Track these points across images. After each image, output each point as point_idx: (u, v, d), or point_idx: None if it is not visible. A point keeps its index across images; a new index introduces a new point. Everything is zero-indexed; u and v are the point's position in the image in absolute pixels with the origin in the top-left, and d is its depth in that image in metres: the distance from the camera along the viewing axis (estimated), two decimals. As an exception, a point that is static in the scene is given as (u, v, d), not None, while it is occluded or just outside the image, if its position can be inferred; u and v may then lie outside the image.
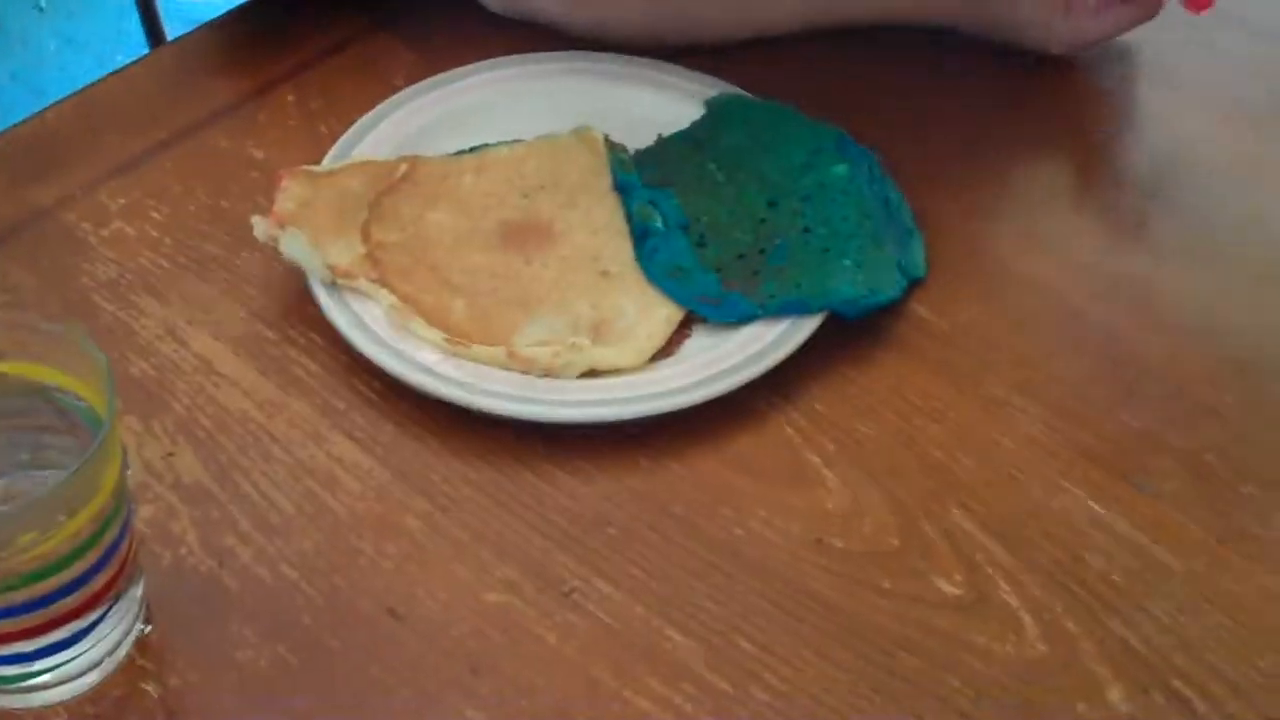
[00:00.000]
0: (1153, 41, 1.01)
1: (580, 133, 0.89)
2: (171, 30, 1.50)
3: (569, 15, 0.96)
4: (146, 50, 1.52)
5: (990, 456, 0.76)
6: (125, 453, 0.63)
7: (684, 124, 0.90)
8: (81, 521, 0.58)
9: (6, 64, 2.32)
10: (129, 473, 0.65)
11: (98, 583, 0.61)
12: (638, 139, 0.89)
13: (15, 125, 0.93)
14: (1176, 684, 0.67)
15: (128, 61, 0.99)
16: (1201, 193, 0.92)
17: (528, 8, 0.97)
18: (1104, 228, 0.90)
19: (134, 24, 1.53)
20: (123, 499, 0.61)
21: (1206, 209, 0.90)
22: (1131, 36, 0.98)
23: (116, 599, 0.64)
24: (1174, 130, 0.96)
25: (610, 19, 0.95)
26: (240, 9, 1.02)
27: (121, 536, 0.62)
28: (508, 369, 0.77)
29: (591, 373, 0.77)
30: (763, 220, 0.84)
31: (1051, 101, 0.97)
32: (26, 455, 0.65)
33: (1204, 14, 0.90)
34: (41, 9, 2.61)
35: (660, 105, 0.92)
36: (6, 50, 2.30)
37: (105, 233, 0.86)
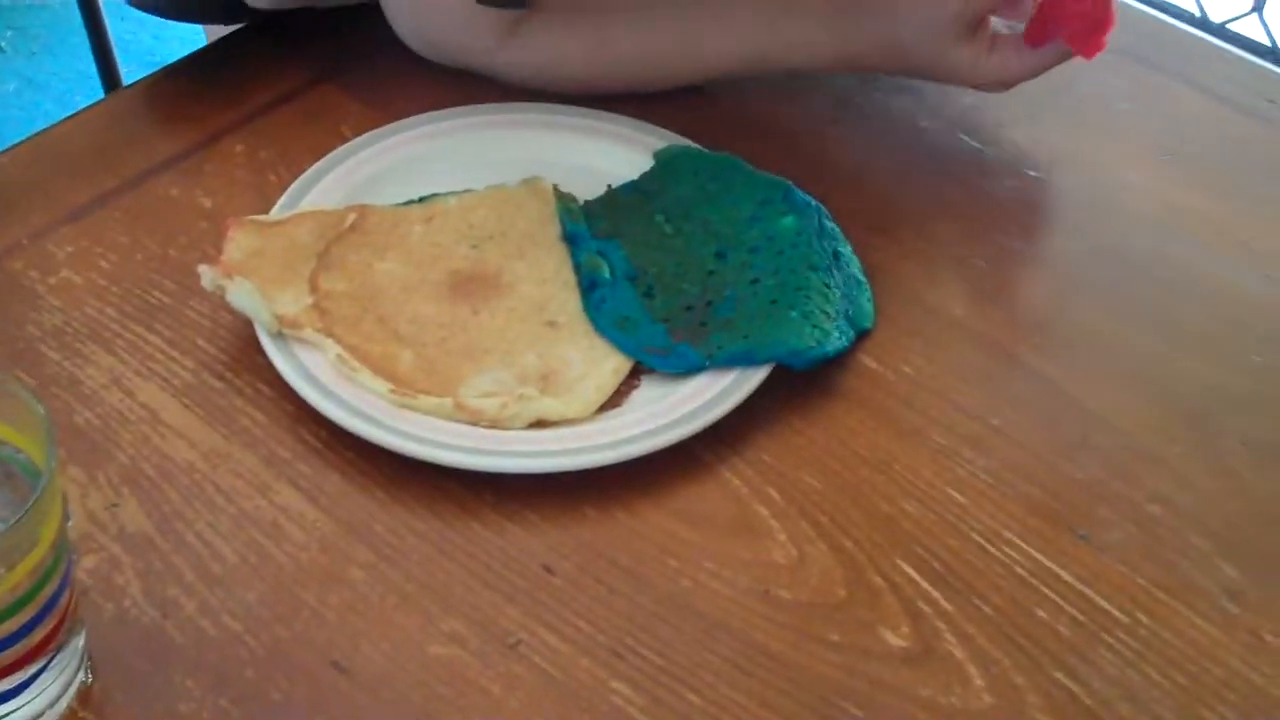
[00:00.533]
0: (1099, 91, 1.03)
1: (529, 183, 0.89)
2: (127, 71, 1.50)
3: (509, 65, 0.96)
4: (103, 92, 1.52)
5: (936, 508, 0.76)
6: (66, 504, 0.62)
7: (633, 174, 0.91)
8: (19, 575, 0.58)
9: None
10: (70, 524, 0.65)
11: (37, 635, 0.61)
12: (587, 189, 0.90)
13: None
14: (1122, 735, 0.67)
15: (86, 105, 0.99)
16: (1144, 244, 0.92)
17: (466, 60, 0.97)
18: (1050, 280, 0.91)
19: (93, 66, 1.53)
20: (63, 552, 0.61)
21: (1150, 261, 0.91)
22: (1074, 81, 0.99)
23: (57, 651, 0.63)
24: (1118, 181, 0.97)
25: (549, 68, 0.96)
26: (190, 58, 1.03)
27: (61, 589, 0.62)
28: (455, 420, 0.77)
29: (539, 423, 0.77)
30: (711, 271, 0.85)
31: (999, 154, 0.98)
32: (-36, 507, 0.65)
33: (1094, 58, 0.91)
34: (2, 49, 2.61)
35: (609, 155, 0.92)
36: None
37: (53, 281, 0.85)
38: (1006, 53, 0.93)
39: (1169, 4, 2.58)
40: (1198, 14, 2.56)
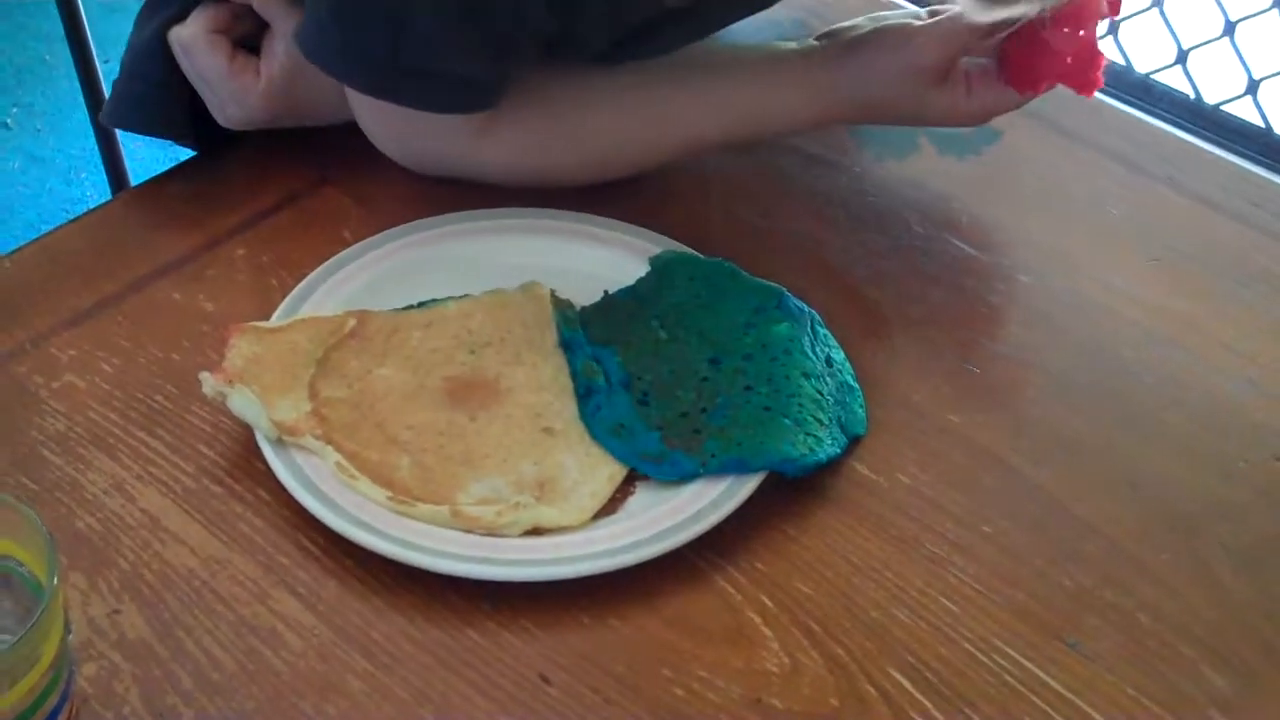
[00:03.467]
0: (1089, 194, 1.04)
1: (527, 289, 0.90)
2: (128, 150, 1.53)
3: (489, 165, 0.97)
4: (105, 170, 1.54)
5: (928, 615, 0.77)
6: (68, 618, 0.63)
7: (629, 280, 0.92)
8: (20, 693, 0.59)
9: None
10: (71, 636, 0.66)
11: (38, 749, 0.62)
12: (583, 295, 0.91)
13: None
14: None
15: (89, 208, 1.01)
16: (1132, 349, 0.94)
17: (449, 165, 0.99)
18: (1040, 385, 0.92)
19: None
20: (63, 666, 0.62)
21: (1137, 366, 0.92)
22: (1065, 184, 1.01)
23: (57, 763, 0.64)
24: (1107, 286, 0.98)
25: (529, 161, 0.98)
26: (191, 160, 1.04)
27: (62, 702, 0.63)
28: (452, 527, 0.78)
29: (536, 530, 0.78)
30: (705, 378, 0.86)
31: (990, 258, 1.00)
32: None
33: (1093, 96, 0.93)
34: (7, 125, 2.63)
35: (606, 261, 0.93)
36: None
37: (55, 385, 0.87)
38: (986, 94, 0.96)
39: (1162, 87, 2.61)
40: (1192, 96, 2.58)
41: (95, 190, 2.23)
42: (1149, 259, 1.01)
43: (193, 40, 0.96)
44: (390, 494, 0.78)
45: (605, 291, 0.92)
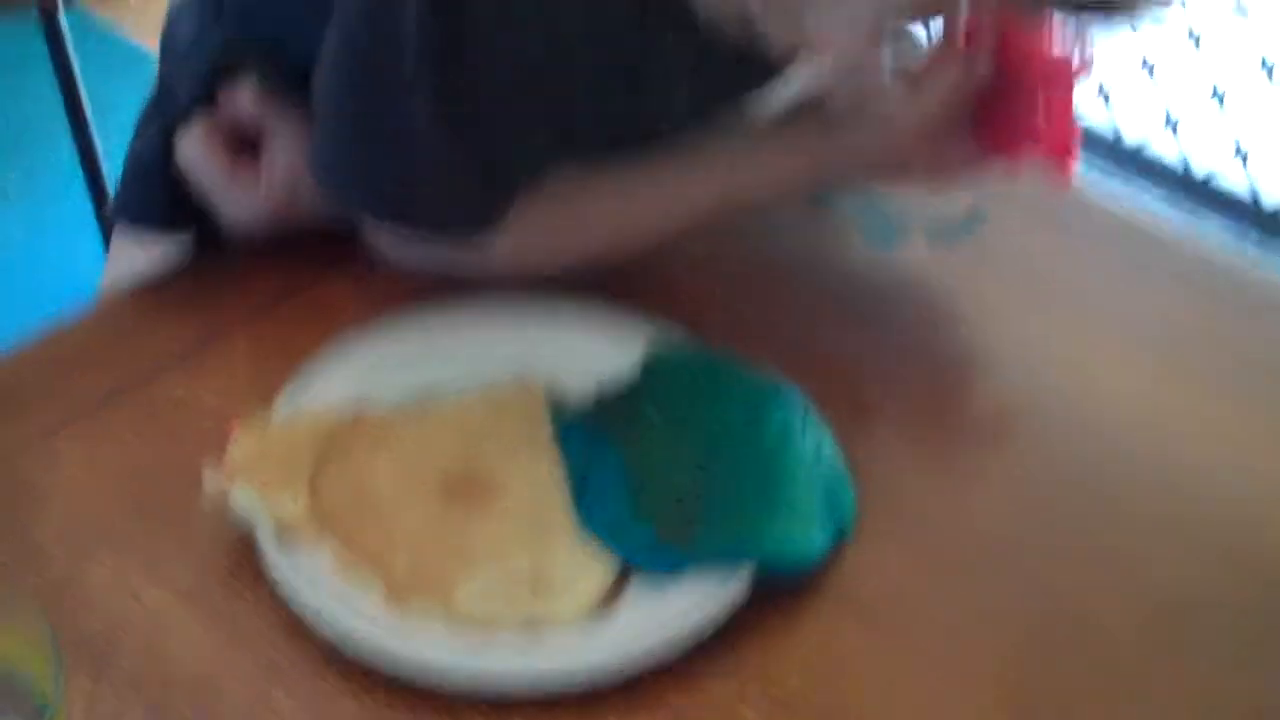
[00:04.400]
0: (1089, 288, 1.06)
1: (523, 381, 0.92)
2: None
3: (495, 261, 0.98)
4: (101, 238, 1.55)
5: (917, 711, 0.78)
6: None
7: (624, 370, 0.93)
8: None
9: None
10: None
11: None
12: (579, 386, 0.92)
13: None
14: None
15: (92, 304, 1.03)
16: (1129, 442, 0.94)
17: (456, 268, 1.00)
18: (1034, 478, 0.92)
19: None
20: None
21: (1134, 459, 0.93)
22: (1053, 273, 1.02)
23: None
24: (1104, 379, 0.99)
25: (553, 262, 0.99)
26: (194, 253, 1.06)
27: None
28: (448, 624, 0.79)
29: (531, 625, 0.79)
30: (699, 469, 0.87)
31: (988, 351, 1.02)
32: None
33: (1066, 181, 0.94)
34: (5, 194, 2.66)
35: (601, 351, 0.95)
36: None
37: (60, 480, 0.88)
38: (956, 155, 0.97)
39: (1153, 158, 2.64)
40: (1180, 169, 2.61)
41: (93, 260, 2.25)
42: (1149, 352, 1.02)
43: (193, 147, 0.98)
44: (387, 591, 0.80)
45: (600, 382, 0.93)
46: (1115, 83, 2.62)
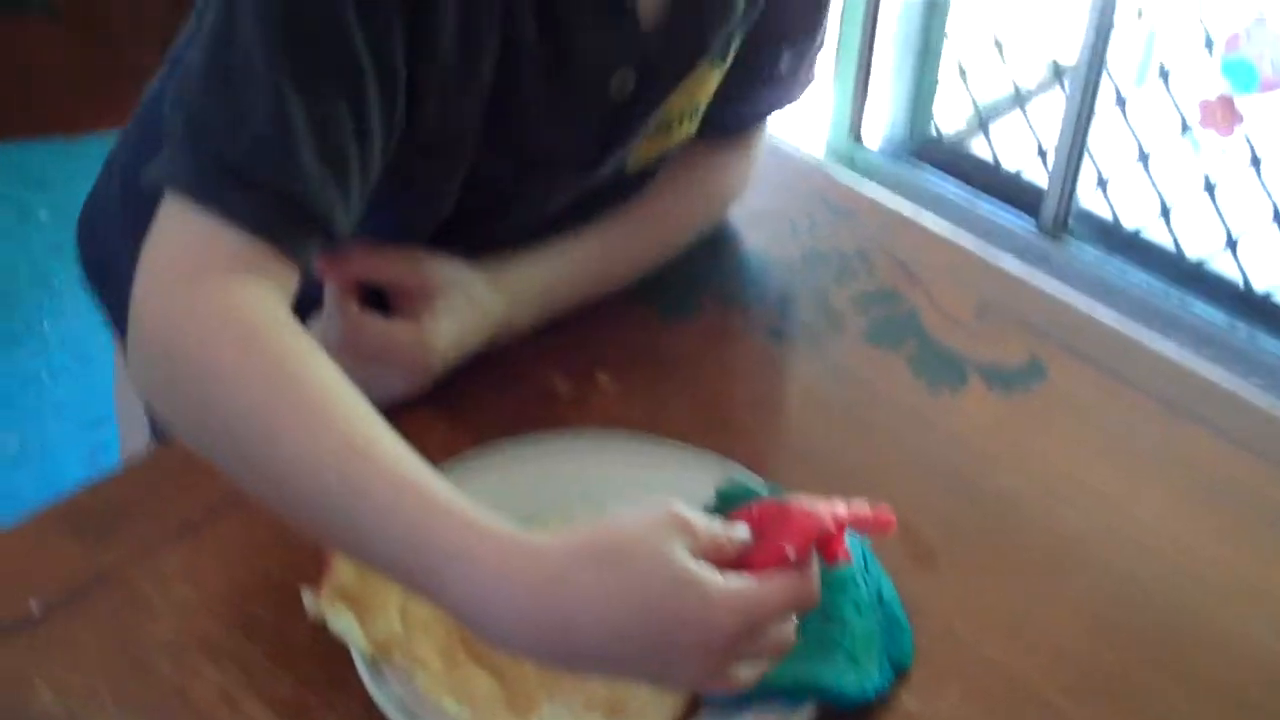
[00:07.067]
0: (1123, 431, 1.11)
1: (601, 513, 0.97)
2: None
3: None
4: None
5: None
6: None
7: (696, 506, 0.98)
8: None
9: (14, 432, 2.37)
10: None
11: None
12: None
13: (84, 488, 1.01)
14: None
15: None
16: (1165, 590, 0.99)
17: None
18: (1078, 622, 0.97)
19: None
20: None
21: (1171, 608, 0.98)
22: (1105, 422, 1.08)
23: None
24: (1143, 525, 1.04)
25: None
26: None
27: None
28: (530, 746, 0.85)
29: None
30: (765, 607, 0.92)
31: (1029, 495, 1.07)
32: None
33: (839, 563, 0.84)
34: (40, 220, 2.69)
35: (671, 485, 0.99)
36: (11, 421, 2.39)
37: (167, 594, 0.94)
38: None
39: (1148, 242, 2.69)
40: (1173, 250, 2.67)
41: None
42: (1181, 498, 1.07)
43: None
44: (472, 713, 0.85)
45: (673, 517, 0.98)
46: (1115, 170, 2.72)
